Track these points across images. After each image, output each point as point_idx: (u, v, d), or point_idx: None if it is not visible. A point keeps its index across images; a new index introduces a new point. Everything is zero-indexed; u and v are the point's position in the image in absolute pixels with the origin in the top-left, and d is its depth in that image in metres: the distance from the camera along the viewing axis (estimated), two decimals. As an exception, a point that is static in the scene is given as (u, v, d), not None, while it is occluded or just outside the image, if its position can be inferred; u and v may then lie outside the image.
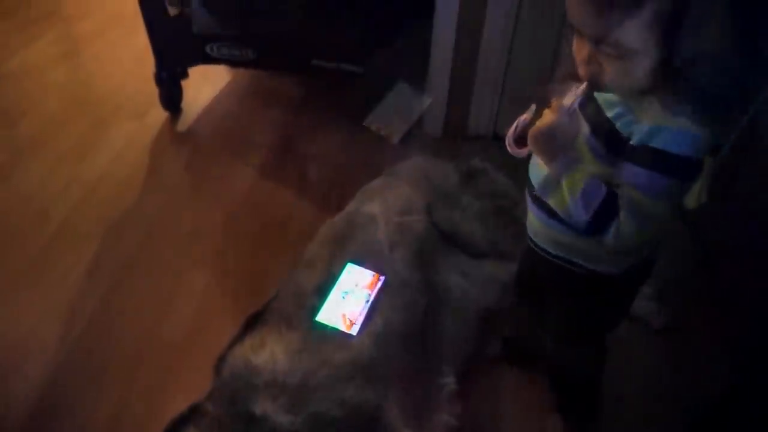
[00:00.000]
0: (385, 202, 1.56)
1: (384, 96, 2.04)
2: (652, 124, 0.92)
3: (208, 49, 2.04)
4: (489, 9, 1.90)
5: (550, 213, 1.08)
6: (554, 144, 1.02)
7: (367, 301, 1.31)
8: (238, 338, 1.31)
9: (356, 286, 1.34)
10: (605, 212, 0.98)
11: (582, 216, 1.00)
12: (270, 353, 1.22)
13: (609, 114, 0.99)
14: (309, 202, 1.97)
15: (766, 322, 1.40)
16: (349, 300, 1.32)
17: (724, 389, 1.39)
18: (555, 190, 1.04)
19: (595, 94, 1.00)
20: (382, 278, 1.31)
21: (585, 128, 1.02)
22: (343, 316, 1.29)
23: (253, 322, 1.34)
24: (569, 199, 1.01)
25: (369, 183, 1.70)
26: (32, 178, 1.95)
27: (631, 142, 0.94)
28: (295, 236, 1.77)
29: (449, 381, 1.33)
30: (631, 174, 0.94)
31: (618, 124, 0.97)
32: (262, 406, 1.13)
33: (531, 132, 1.05)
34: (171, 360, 1.49)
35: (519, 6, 1.91)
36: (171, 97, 2.17)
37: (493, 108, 2.21)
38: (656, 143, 0.91)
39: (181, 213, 1.82)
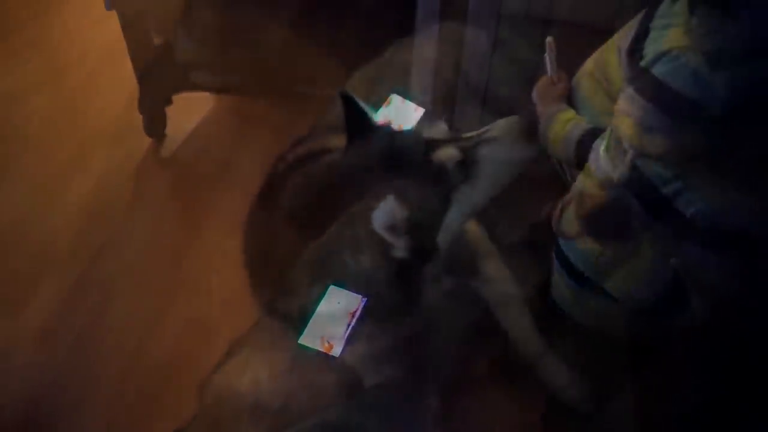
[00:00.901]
0: (417, 54, 1.62)
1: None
2: (717, 201, 0.93)
3: (191, 76, 2.05)
4: (468, 27, 1.94)
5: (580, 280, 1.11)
6: (610, 224, 1.04)
7: (349, 323, 1.30)
8: (222, 362, 1.30)
9: (338, 306, 1.33)
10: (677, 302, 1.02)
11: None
12: (253, 377, 1.21)
13: (665, 190, 0.96)
14: (294, 227, 1.96)
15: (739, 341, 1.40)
16: (332, 322, 1.31)
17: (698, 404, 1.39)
18: (616, 273, 1.06)
19: (641, 165, 0.97)
20: (364, 300, 1.30)
21: (637, 207, 1.02)
22: (323, 338, 1.27)
23: (237, 346, 1.33)
24: (632, 285, 1.04)
25: (402, 39, 1.73)
26: (14, 202, 1.91)
27: (696, 225, 0.94)
28: (280, 261, 1.76)
29: (435, 401, 1.32)
30: (698, 256, 0.97)
31: (678, 202, 0.96)
32: None
33: (582, 214, 1.08)
34: (155, 383, 1.47)
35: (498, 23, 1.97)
36: (155, 124, 2.17)
37: (475, 120, 2.27)
38: (726, 225, 0.93)
39: (166, 238, 1.81)
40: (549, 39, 1.19)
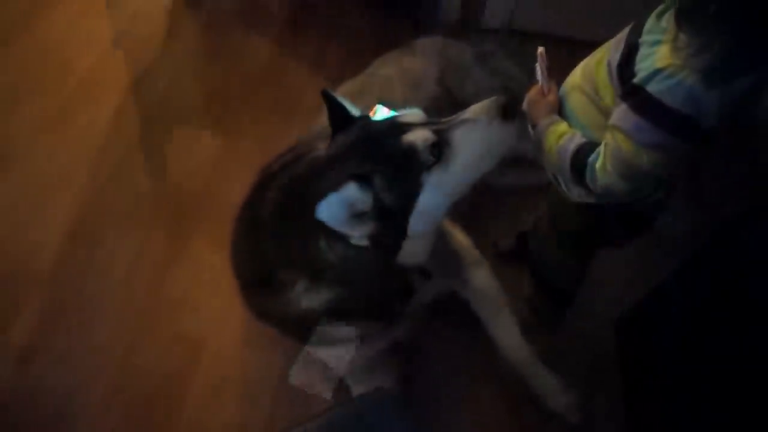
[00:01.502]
0: (401, 67, 1.67)
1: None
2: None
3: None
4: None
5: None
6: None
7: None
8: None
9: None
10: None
11: None
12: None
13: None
14: (322, 78, 2.17)
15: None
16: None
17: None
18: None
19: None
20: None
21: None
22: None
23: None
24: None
25: (386, 53, 1.79)
26: (54, 29, 2.18)
27: None
28: (308, 109, 1.94)
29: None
30: None
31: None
32: None
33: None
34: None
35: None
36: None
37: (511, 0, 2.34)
38: None
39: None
40: (541, 49, 1.19)
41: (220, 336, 1.61)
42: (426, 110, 1.61)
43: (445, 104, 1.68)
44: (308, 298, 1.16)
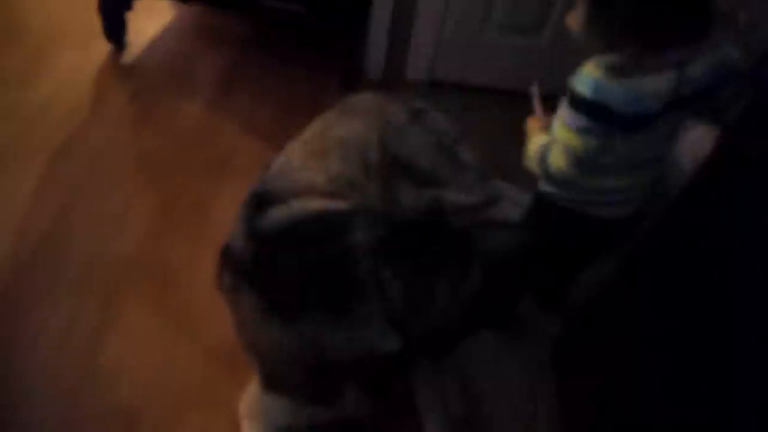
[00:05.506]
0: (350, 129, 1.70)
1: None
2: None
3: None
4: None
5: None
6: None
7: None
8: None
9: None
10: None
11: None
12: None
13: None
14: (254, 137, 2.18)
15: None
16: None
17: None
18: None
19: None
20: None
21: None
22: None
23: None
24: None
25: (325, 113, 1.79)
26: None
27: None
28: (241, 168, 2.01)
29: None
30: None
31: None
32: None
33: None
34: None
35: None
36: (115, 29, 2.19)
37: (430, 54, 2.50)
38: None
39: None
40: (533, 87, 1.47)
41: (159, 402, 1.54)
42: (372, 173, 1.66)
43: (384, 169, 1.69)
44: None
